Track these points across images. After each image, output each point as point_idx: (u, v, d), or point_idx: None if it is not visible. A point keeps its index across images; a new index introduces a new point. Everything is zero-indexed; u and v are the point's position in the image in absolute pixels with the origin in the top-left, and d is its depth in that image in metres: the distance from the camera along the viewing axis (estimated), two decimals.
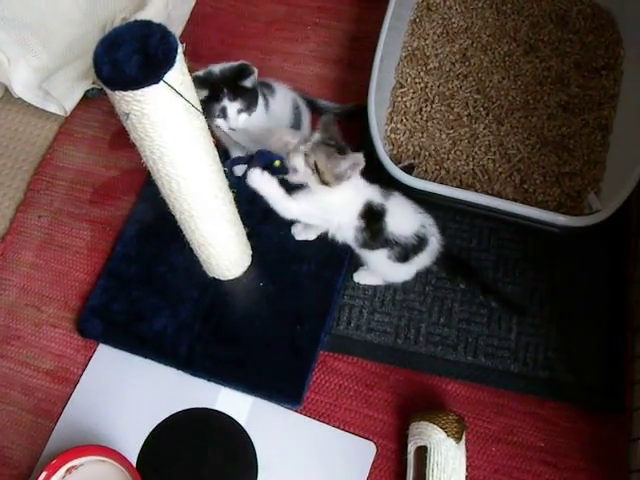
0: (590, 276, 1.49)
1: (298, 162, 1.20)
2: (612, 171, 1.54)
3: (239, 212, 1.38)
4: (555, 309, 1.46)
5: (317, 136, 1.20)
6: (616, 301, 1.46)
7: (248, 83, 1.32)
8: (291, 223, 1.47)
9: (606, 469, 1.31)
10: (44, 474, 1.25)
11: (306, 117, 1.59)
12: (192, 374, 1.42)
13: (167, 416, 1.39)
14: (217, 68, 1.34)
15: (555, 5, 1.81)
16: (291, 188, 1.27)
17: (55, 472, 1.27)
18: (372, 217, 1.27)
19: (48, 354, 1.49)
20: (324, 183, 1.20)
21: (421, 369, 1.42)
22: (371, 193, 1.28)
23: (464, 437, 1.28)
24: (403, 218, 1.31)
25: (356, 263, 1.48)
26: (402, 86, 1.72)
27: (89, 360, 1.47)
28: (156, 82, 0.92)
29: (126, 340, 1.47)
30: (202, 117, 1.07)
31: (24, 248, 1.62)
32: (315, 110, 1.64)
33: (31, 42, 1.78)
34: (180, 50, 0.95)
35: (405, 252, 1.32)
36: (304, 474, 1.34)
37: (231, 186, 1.29)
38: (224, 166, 1.25)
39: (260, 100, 1.40)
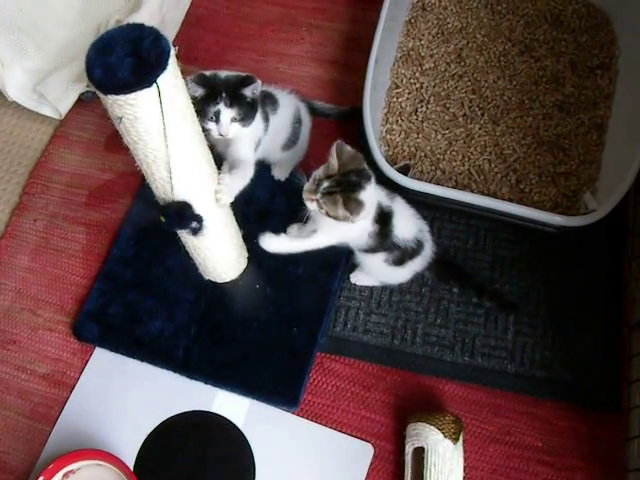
0: (586, 275, 1.49)
1: (314, 208, 1.20)
2: (608, 170, 1.54)
3: (235, 214, 1.38)
4: (551, 309, 1.46)
5: (325, 184, 1.17)
6: (612, 300, 1.46)
7: (248, 92, 1.29)
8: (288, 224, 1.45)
9: (603, 468, 1.31)
10: (41, 479, 1.25)
11: (305, 129, 1.55)
12: (189, 377, 1.42)
13: (164, 419, 1.39)
14: (224, 73, 1.32)
15: (550, 5, 1.81)
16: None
17: (52, 477, 1.27)
18: (383, 220, 1.27)
19: (44, 358, 1.49)
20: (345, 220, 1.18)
21: (418, 370, 1.42)
22: (379, 195, 1.27)
23: (461, 438, 1.28)
24: (406, 222, 1.31)
25: (352, 264, 1.48)
26: (397, 87, 1.72)
27: (86, 364, 1.47)
28: (148, 86, 0.92)
29: (123, 343, 1.46)
30: (196, 121, 1.07)
31: (20, 252, 1.62)
32: (312, 112, 1.64)
33: (25, 45, 1.77)
34: (173, 53, 0.94)
35: (402, 256, 1.32)
36: (301, 476, 1.33)
37: None
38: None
39: (259, 119, 1.37)
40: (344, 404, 1.40)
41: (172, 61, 0.94)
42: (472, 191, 1.54)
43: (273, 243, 1.27)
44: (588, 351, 1.41)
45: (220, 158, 1.39)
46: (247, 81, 1.29)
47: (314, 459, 1.34)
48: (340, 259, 1.49)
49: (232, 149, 1.37)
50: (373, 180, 1.21)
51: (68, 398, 1.43)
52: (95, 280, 1.55)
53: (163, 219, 1.19)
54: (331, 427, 1.37)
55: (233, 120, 1.29)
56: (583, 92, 1.66)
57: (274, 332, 1.45)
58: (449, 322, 1.46)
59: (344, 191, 1.16)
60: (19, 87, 1.74)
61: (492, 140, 1.62)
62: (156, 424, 1.39)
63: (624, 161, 1.42)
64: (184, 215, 1.19)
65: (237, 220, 1.40)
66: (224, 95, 1.26)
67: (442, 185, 1.50)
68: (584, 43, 1.74)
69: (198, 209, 1.20)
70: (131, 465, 1.34)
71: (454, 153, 1.61)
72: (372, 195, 1.20)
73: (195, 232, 1.25)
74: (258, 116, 1.36)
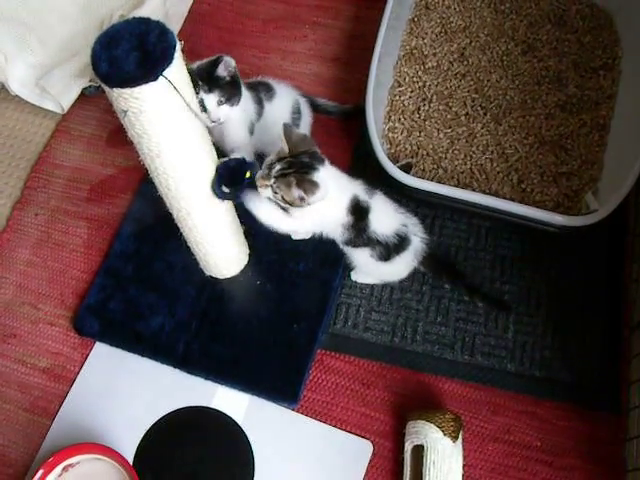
0: (587, 275, 1.49)
1: (269, 195, 1.20)
2: (609, 171, 1.54)
3: (236, 210, 1.38)
4: (552, 308, 1.46)
5: (277, 167, 1.17)
6: (613, 300, 1.46)
7: (221, 72, 1.29)
8: None
9: (602, 468, 1.31)
10: (40, 472, 1.25)
11: (306, 121, 1.56)
12: (189, 372, 1.42)
13: (164, 414, 1.39)
14: (196, 64, 1.33)
15: (553, 5, 1.81)
16: None
17: (52, 470, 1.27)
18: (359, 213, 1.27)
19: (45, 352, 1.49)
20: (303, 205, 1.18)
21: (418, 368, 1.42)
22: (356, 188, 1.27)
23: (461, 436, 1.28)
24: (385, 217, 1.30)
25: None
26: (400, 85, 1.72)
27: (86, 358, 1.47)
28: (154, 79, 0.92)
29: (123, 338, 1.46)
30: (200, 115, 1.07)
31: (21, 246, 1.62)
32: (314, 109, 1.64)
33: (28, 39, 1.77)
34: (178, 47, 0.94)
35: (387, 251, 1.31)
36: (301, 473, 1.33)
37: None
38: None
39: (249, 99, 1.38)
40: (344, 401, 1.40)
41: (178, 55, 0.94)
42: (474, 190, 1.54)
43: (264, 209, 1.27)
44: (588, 351, 1.41)
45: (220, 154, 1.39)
46: (217, 62, 1.29)
47: (313, 456, 1.35)
48: (341, 256, 1.48)
49: (226, 137, 1.38)
50: (326, 163, 1.21)
51: (68, 392, 1.43)
52: (96, 275, 1.55)
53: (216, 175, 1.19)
54: (330, 424, 1.37)
55: (219, 103, 1.30)
56: (586, 92, 1.66)
57: (274, 328, 1.45)
58: (449, 320, 1.46)
59: (297, 172, 1.16)
60: (22, 81, 1.74)
61: (494, 139, 1.62)
62: (156, 419, 1.39)
63: (626, 162, 1.42)
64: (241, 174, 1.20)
65: (238, 216, 1.40)
66: (200, 83, 1.27)
67: (444, 184, 1.50)
68: (587, 43, 1.74)
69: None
70: (130, 459, 1.34)
71: (456, 152, 1.61)
72: (326, 177, 1.19)
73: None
74: (247, 95, 1.37)
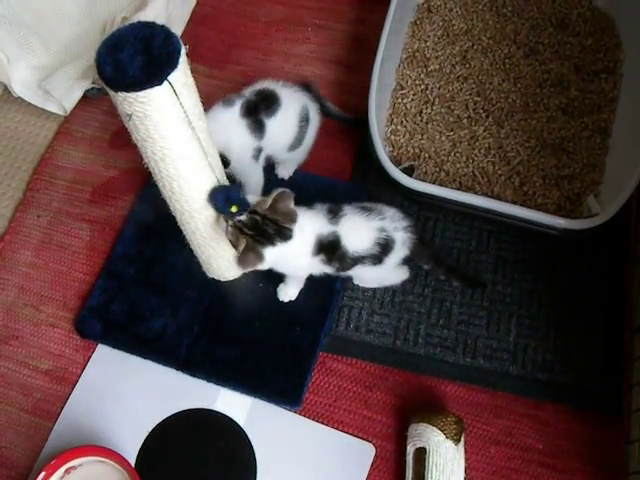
0: (589, 279, 1.49)
1: (222, 227, 1.21)
2: (611, 174, 1.54)
3: None
4: (554, 311, 1.46)
5: (242, 218, 1.16)
6: (615, 303, 1.46)
7: None
8: None
9: (604, 471, 1.32)
10: (42, 474, 1.25)
11: (313, 128, 1.53)
12: (191, 375, 1.42)
13: (166, 417, 1.39)
14: None
15: (555, 8, 1.82)
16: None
17: (54, 472, 1.27)
18: (329, 248, 1.26)
19: (47, 354, 1.49)
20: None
21: (420, 371, 1.42)
22: (318, 226, 1.25)
23: (463, 439, 1.29)
24: (358, 234, 1.28)
25: None
26: (402, 88, 1.72)
27: (88, 360, 1.47)
28: (159, 84, 0.92)
29: (125, 340, 1.46)
30: (204, 118, 1.07)
31: (23, 248, 1.62)
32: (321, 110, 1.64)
33: (31, 41, 1.77)
34: (183, 51, 0.95)
35: (377, 258, 1.31)
36: (303, 475, 1.34)
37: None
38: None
39: (246, 132, 1.38)
40: (346, 404, 1.40)
41: (183, 59, 0.94)
42: (476, 193, 1.54)
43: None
44: (590, 354, 1.42)
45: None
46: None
47: (315, 458, 1.35)
48: None
49: (232, 170, 1.39)
50: (291, 240, 1.19)
51: (70, 394, 1.43)
52: (98, 277, 1.55)
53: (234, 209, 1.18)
54: (333, 427, 1.38)
55: None
56: (587, 96, 1.67)
57: (277, 331, 1.45)
58: (451, 323, 1.46)
59: (253, 237, 1.16)
60: (24, 83, 1.75)
61: (496, 142, 1.62)
62: (158, 421, 1.39)
63: (628, 165, 1.43)
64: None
65: None
66: None
67: (446, 186, 1.51)
68: (589, 47, 1.74)
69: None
70: (132, 462, 1.34)
71: (458, 155, 1.61)
72: (279, 253, 1.19)
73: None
74: (244, 129, 1.37)
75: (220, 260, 1.42)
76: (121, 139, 1.69)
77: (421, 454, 1.27)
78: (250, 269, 1.18)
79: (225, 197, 1.18)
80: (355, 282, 1.49)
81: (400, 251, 1.33)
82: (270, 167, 1.58)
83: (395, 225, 1.31)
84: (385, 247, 1.29)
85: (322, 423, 1.38)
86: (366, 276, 1.40)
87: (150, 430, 1.38)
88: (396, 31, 1.72)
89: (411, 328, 1.46)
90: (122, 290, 1.52)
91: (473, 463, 1.33)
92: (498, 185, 1.57)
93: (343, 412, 1.39)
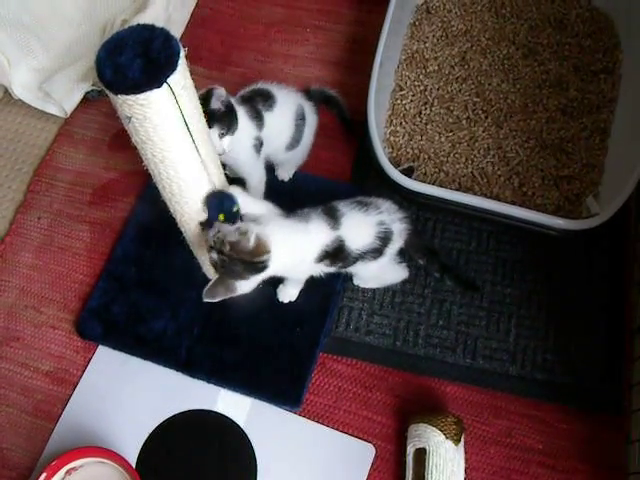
0: (588, 279, 1.50)
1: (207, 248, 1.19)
2: (610, 174, 1.55)
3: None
4: (553, 312, 1.47)
5: (214, 256, 1.15)
6: (614, 304, 1.46)
7: (215, 105, 1.28)
8: None
9: (604, 471, 1.32)
10: (44, 475, 1.26)
11: (310, 126, 1.55)
12: (191, 376, 1.43)
13: (166, 418, 1.40)
14: None
15: (554, 9, 1.82)
16: None
17: (55, 473, 1.28)
18: (334, 254, 1.27)
19: (47, 355, 1.49)
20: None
21: (420, 371, 1.43)
22: (323, 237, 1.24)
23: (462, 439, 1.29)
24: (359, 231, 1.29)
25: None
26: (401, 89, 1.73)
27: (88, 362, 1.47)
28: (158, 86, 0.92)
29: (126, 342, 1.47)
30: (204, 121, 1.07)
31: (24, 249, 1.62)
32: (325, 101, 1.66)
33: (31, 44, 1.78)
34: (183, 54, 0.95)
35: (377, 252, 1.31)
36: (303, 476, 1.34)
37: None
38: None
39: (245, 118, 1.38)
40: (346, 404, 1.40)
41: (182, 62, 0.95)
42: (475, 194, 1.55)
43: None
44: (589, 354, 1.42)
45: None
46: (208, 96, 1.28)
47: (316, 459, 1.35)
48: None
49: (235, 165, 1.41)
50: (267, 270, 1.17)
51: (71, 396, 1.44)
52: (99, 278, 1.55)
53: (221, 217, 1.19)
54: (333, 427, 1.38)
55: (221, 136, 1.30)
56: (586, 96, 1.67)
57: (277, 332, 1.45)
58: (451, 324, 1.47)
59: (224, 273, 1.17)
60: (25, 85, 1.75)
61: (495, 143, 1.63)
62: (158, 422, 1.39)
63: (627, 165, 1.43)
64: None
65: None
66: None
67: (445, 187, 1.51)
68: (588, 47, 1.75)
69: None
70: (133, 463, 1.34)
71: (457, 156, 1.62)
72: (253, 282, 1.18)
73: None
74: (243, 115, 1.37)
75: None
76: (121, 141, 1.69)
77: (421, 455, 1.27)
78: (220, 299, 1.18)
79: (219, 203, 1.18)
80: (355, 283, 1.50)
81: (397, 242, 1.34)
82: (270, 169, 1.59)
83: (392, 217, 1.32)
84: (385, 240, 1.30)
85: (322, 424, 1.38)
86: (366, 271, 1.40)
87: (151, 431, 1.39)
88: (395, 32, 1.72)
89: (411, 329, 1.46)
90: (122, 291, 1.52)
91: (473, 463, 1.33)
92: (497, 186, 1.57)
93: (343, 413, 1.40)
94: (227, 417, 1.39)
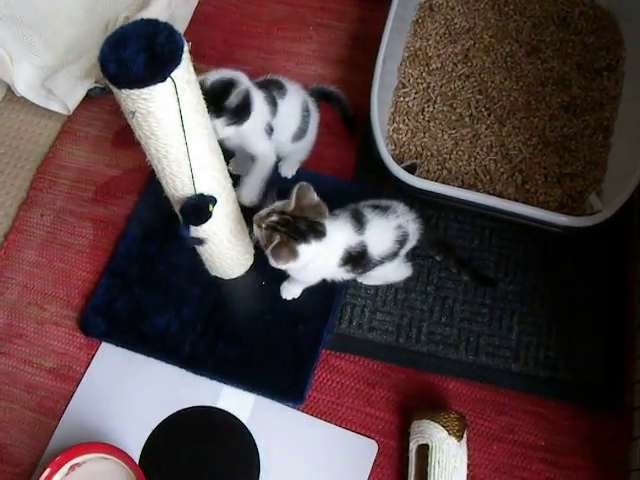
0: (591, 276, 1.50)
1: (258, 235, 1.20)
2: (613, 172, 1.55)
3: (242, 211, 1.38)
4: (556, 309, 1.46)
5: (273, 217, 1.16)
6: (617, 301, 1.46)
7: (233, 99, 1.27)
8: None
9: (606, 468, 1.32)
10: (48, 471, 1.26)
11: (314, 122, 1.56)
12: (194, 372, 1.43)
13: (170, 414, 1.40)
14: (210, 80, 1.29)
15: (557, 6, 1.82)
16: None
17: (59, 469, 1.28)
18: (356, 259, 1.27)
19: (51, 352, 1.49)
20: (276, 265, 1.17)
21: (422, 368, 1.43)
22: (347, 238, 1.24)
23: (465, 435, 1.29)
24: (381, 236, 1.29)
25: None
26: (404, 86, 1.73)
27: (92, 358, 1.47)
28: (162, 80, 0.93)
29: (129, 338, 1.47)
30: (207, 116, 1.08)
31: (27, 247, 1.63)
32: (326, 98, 1.66)
33: (34, 41, 1.78)
34: (186, 48, 0.95)
35: (394, 255, 1.33)
36: (306, 472, 1.34)
37: (235, 185, 1.30)
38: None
39: (262, 102, 1.38)
40: (349, 401, 1.40)
41: (186, 56, 0.95)
42: (478, 191, 1.55)
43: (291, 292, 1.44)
44: (592, 351, 1.42)
45: (229, 155, 1.40)
46: (228, 88, 1.27)
47: (318, 455, 1.35)
48: None
49: (246, 147, 1.40)
50: (325, 240, 1.18)
51: (74, 392, 1.44)
52: (102, 275, 1.55)
53: (181, 217, 1.18)
54: (336, 424, 1.38)
55: (227, 125, 1.30)
56: (589, 94, 1.67)
57: (280, 329, 1.45)
58: (454, 321, 1.46)
59: (287, 234, 1.14)
60: (27, 83, 1.75)
61: (498, 140, 1.63)
62: (161, 419, 1.39)
63: (630, 163, 1.43)
64: (204, 209, 1.18)
65: (244, 217, 1.40)
66: (211, 108, 1.20)
67: (448, 185, 1.51)
68: (591, 45, 1.75)
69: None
70: (136, 459, 1.34)
71: (460, 153, 1.62)
72: (313, 251, 1.17)
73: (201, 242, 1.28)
74: (260, 96, 1.37)
75: (223, 258, 1.42)
76: (124, 138, 1.70)
77: (424, 451, 1.27)
78: (283, 265, 1.15)
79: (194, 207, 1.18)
80: (358, 280, 1.50)
81: (411, 243, 1.35)
82: (274, 166, 1.59)
83: (406, 219, 1.32)
84: (402, 242, 1.32)
85: (325, 420, 1.38)
86: (379, 272, 1.39)
87: (154, 427, 1.39)
88: (398, 30, 1.72)
89: (413, 326, 1.46)
90: (126, 288, 1.52)
91: (475, 460, 1.33)
92: (500, 183, 1.57)
93: (346, 409, 1.40)
94: (230, 413, 1.39)
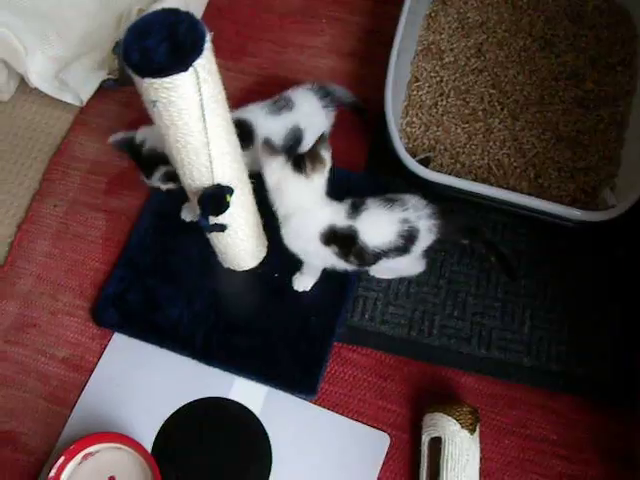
0: (604, 271, 1.50)
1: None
2: (627, 167, 1.54)
3: (256, 202, 1.38)
4: (568, 303, 1.46)
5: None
6: (630, 296, 1.46)
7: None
8: None
9: (618, 463, 1.32)
10: (62, 459, 1.27)
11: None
12: (207, 363, 1.43)
13: (182, 405, 1.40)
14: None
15: (571, 0, 1.81)
16: None
17: (73, 457, 1.28)
18: (342, 241, 1.27)
19: (64, 342, 1.50)
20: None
21: (435, 361, 1.43)
22: (333, 215, 1.26)
23: (478, 429, 1.29)
24: (379, 228, 1.28)
25: None
26: (418, 80, 1.73)
27: (104, 348, 1.48)
28: (184, 70, 0.93)
29: (141, 329, 1.47)
30: (227, 106, 1.08)
31: (40, 237, 1.63)
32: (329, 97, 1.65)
33: (47, 32, 1.78)
34: (208, 38, 0.95)
35: (401, 250, 1.30)
36: (318, 464, 1.34)
37: (251, 176, 1.30)
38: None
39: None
40: (361, 394, 1.41)
41: (208, 46, 0.95)
42: (491, 185, 1.54)
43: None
44: (604, 346, 1.42)
45: None
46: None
47: (330, 447, 1.35)
48: None
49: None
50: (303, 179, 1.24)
51: (87, 382, 1.44)
52: (114, 266, 1.56)
53: (199, 207, 1.19)
54: (348, 416, 1.38)
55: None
56: (603, 88, 1.67)
57: (292, 321, 1.45)
58: (466, 314, 1.47)
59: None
60: (41, 74, 1.75)
61: (511, 135, 1.62)
62: (174, 409, 1.40)
63: None
64: (221, 199, 1.19)
65: (258, 209, 1.40)
66: None
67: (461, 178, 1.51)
68: (604, 39, 1.74)
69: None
70: (149, 449, 1.35)
71: (473, 147, 1.62)
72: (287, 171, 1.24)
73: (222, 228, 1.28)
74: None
75: (237, 250, 1.43)
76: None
77: (436, 444, 1.28)
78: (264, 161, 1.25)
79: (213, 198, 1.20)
80: (371, 273, 1.50)
81: (426, 239, 1.32)
82: None
83: (419, 214, 1.29)
84: (409, 238, 1.29)
85: (337, 413, 1.39)
86: (389, 267, 1.39)
87: (166, 418, 1.39)
88: (411, 23, 1.71)
89: (426, 319, 1.46)
90: (138, 279, 1.52)
91: (488, 454, 1.33)
92: (513, 177, 1.57)
93: (358, 402, 1.40)
94: (242, 405, 1.40)
